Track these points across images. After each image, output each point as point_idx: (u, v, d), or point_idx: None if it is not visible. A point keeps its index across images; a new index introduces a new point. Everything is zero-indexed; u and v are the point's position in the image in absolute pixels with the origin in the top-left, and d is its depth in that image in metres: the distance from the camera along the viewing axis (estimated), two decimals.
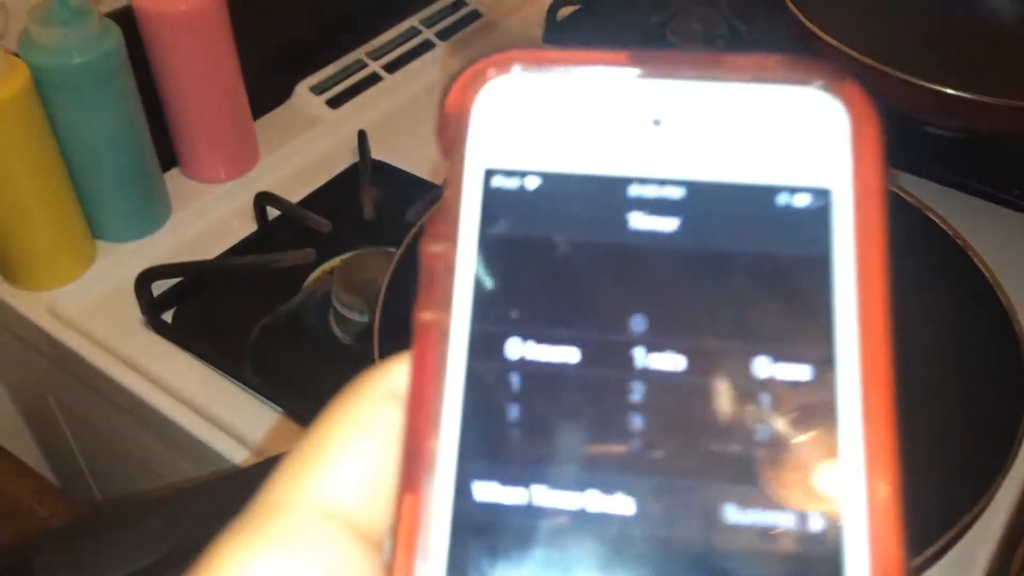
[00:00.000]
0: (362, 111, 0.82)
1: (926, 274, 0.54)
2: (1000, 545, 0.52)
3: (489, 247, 0.18)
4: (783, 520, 0.16)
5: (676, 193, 0.18)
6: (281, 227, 0.71)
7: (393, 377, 0.18)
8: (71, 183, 0.64)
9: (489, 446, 0.17)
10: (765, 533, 0.16)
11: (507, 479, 0.17)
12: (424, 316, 0.17)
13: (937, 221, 0.54)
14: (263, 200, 0.70)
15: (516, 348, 0.17)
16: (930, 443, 0.50)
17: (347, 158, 0.77)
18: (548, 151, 0.18)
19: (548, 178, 0.18)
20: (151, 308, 0.64)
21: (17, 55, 0.60)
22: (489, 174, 0.18)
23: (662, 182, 0.18)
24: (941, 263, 0.53)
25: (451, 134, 0.18)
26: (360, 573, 0.17)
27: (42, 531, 0.66)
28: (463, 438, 0.17)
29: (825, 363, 0.17)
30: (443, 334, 0.17)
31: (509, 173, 0.18)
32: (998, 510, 0.53)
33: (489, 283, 0.18)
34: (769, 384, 0.17)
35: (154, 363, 0.62)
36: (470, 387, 0.17)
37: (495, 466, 0.17)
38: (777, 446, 0.16)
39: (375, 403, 0.18)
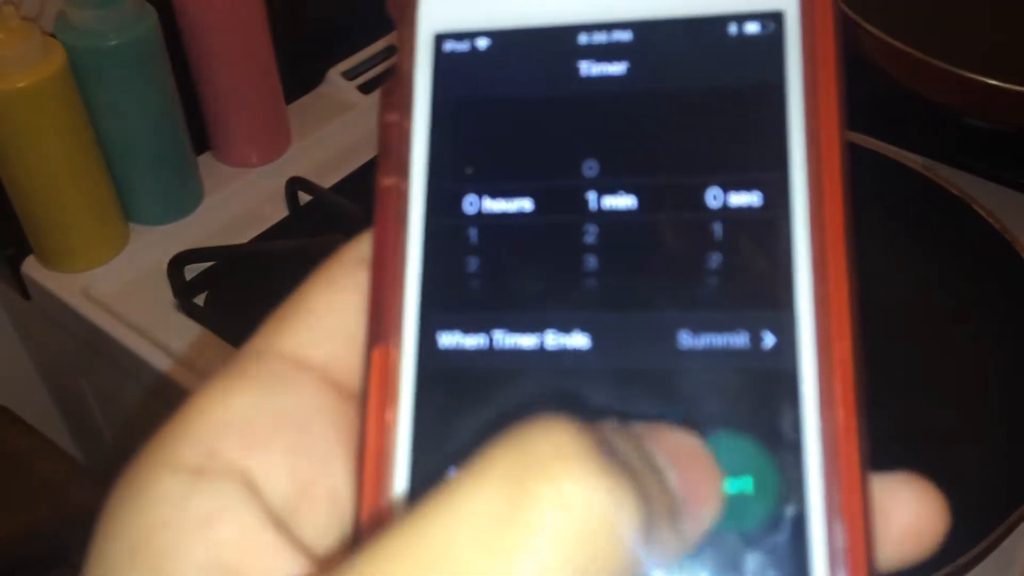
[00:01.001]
0: None
1: (970, 264, 0.53)
2: None
3: (442, 111, 0.18)
4: (736, 341, 0.16)
5: (625, 36, 0.18)
6: (312, 212, 0.71)
7: (364, 245, 0.19)
8: (105, 166, 0.64)
9: (450, 296, 0.17)
10: (719, 355, 0.16)
11: (469, 327, 0.17)
12: (384, 181, 0.18)
13: (983, 213, 0.53)
14: (295, 185, 0.70)
15: (473, 203, 0.18)
16: (974, 437, 0.50)
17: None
18: (496, 9, 0.18)
19: (497, 36, 0.18)
20: (183, 291, 0.64)
21: (53, 36, 0.60)
22: (439, 39, 0.19)
23: (610, 26, 0.18)
24: (985, 254, 0.53)
25: (400, 2, 0.19)
26: (334, 420, 0.17)
27: (77, 513, 0.67)
28: (424, 291, 0.17)
29: (779, 192, 0.16)
30: (402, 197, 0.18)
31: (459, 36, 0.18)
32: None
33: (444, 145, 0.18)
34: (723, 213, 0.17)
35: (185, 345, 0.62)
36: (429, 243, 0.18)
37: (456, 315, 0.17)
38: (731, 273, 0.16)
39: (347, 267, 0.18)
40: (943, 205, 0.54)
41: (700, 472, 0.15)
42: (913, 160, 0.58)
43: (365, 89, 0.81)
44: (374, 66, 0.83)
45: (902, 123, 0.75)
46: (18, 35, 0.56)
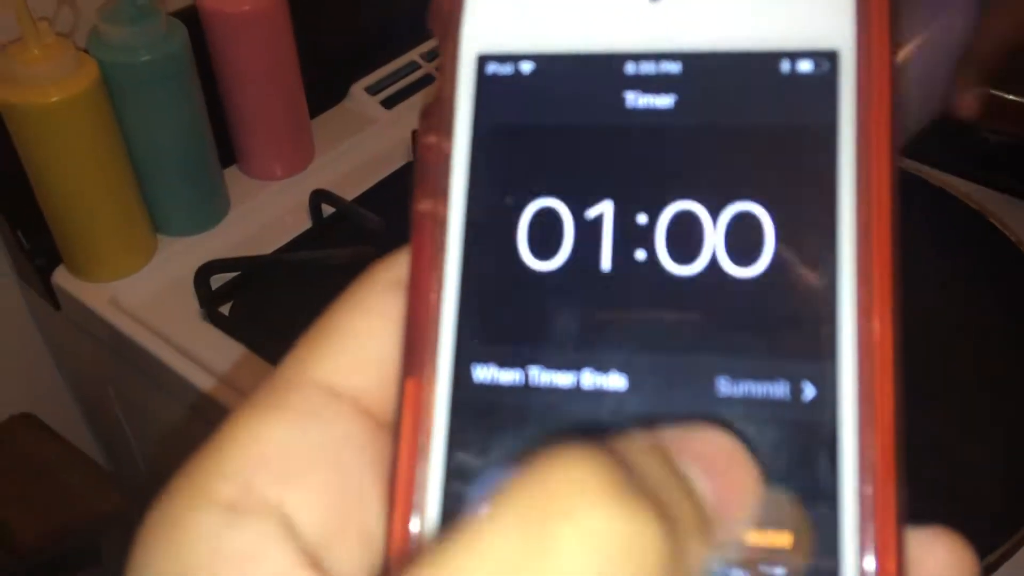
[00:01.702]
0: (415, 111, 0.82)
1: (986, 277, 0.53)
2: None
3: (483, 135, 0.18)
4: (775, 391, 0.16)
5: (674, 68, 0.17)
6: (335, 224, 0.72)
7: (398, 267, 0.18)
8: (135, 178, 0.66)
9: (487, 328, 0.17)
10: (757, 404, 0.16)
11: (504, 360, 0.17)
12: (421, 206, 0.18)
13: (999, 226, 0.53)
14: (318, 197, 0.71)
15: (511, 234, 0.17)
16: (993, 446, 0.50)
17: (400, 158, 0.77)
18: (542, 32, 0.18)
19: (542, 60, 0.18)
20: (209, 301, 0.65)
21: (87, 52, 0.62)
22: (483, 60, 0.18)
23: (659, 56, 0.17)
24: (1001, 266, 0.53)
25: (444, 20, 0.18)
26: (368, 452, 0.17)
27: (104, 518, 0.68)
28: (460, 322, 0.17)
29: (826, 238, 0.16)
30: (439, 223, 0.17)
31: (503, 58, 0.18)
32: None
33: (483, 171, 0.18)
34: (770, 253, 0.16)
35: (211, 354, 0.63)
36: (466, 273, 0.17)
37: (493, 348, 0.17)
38: (773, 321, 0.16)
39: (380, 291, 0.18)
40: (963, 219, 0.54)
41: (734, 473, 0.14)
42: (932, 175, 0.59)
43: (388, 104, 0.83)
44: (396, 81, 0.85)
45: (923, 139, 0.75)
46: (53, 50, 0.58)
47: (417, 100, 0.84)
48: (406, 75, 0.85)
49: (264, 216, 0.73)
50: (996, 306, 0.54)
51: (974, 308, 0.55)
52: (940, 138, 0.74)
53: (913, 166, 0.59)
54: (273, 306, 0.66)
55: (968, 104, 0.46)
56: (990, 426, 0.51)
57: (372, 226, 0.69)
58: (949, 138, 0.74)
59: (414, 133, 0.76)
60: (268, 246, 0.70)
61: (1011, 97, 0.64)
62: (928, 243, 0.58)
